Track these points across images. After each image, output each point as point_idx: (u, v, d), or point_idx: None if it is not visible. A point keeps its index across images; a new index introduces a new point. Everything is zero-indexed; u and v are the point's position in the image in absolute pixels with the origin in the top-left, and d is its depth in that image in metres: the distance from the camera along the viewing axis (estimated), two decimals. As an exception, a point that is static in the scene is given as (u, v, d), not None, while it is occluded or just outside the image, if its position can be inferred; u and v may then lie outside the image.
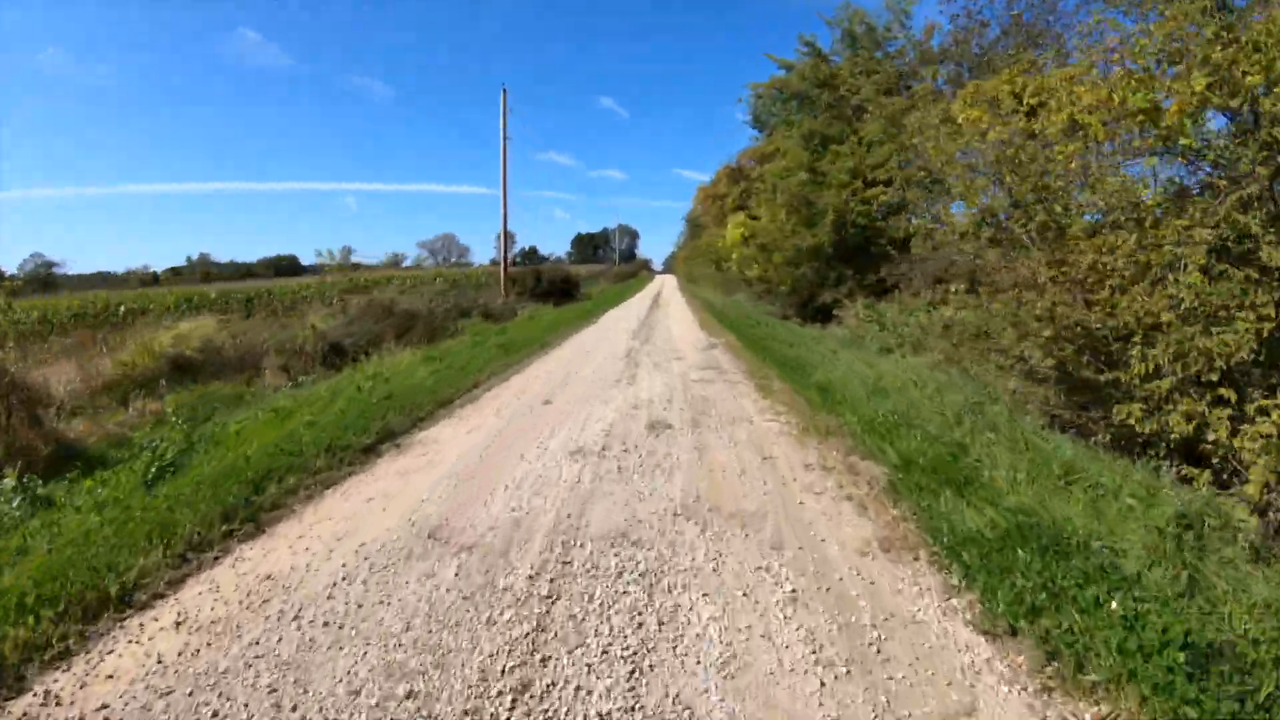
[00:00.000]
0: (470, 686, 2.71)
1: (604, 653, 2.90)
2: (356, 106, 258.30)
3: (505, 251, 28.01)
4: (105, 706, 2.66)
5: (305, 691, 2.71)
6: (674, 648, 2.95)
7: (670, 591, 3.42)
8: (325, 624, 3.17)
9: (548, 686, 2.71)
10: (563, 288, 32.69)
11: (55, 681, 2.84)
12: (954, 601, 3.32)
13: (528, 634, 3.05)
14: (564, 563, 3.75)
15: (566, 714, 2.55)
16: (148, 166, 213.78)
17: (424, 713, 2.56)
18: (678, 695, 2.65)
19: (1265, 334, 4.30)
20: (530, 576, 3.59)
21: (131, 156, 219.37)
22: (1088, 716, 2.52)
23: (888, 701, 2.62)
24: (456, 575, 3.63)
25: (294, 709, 2.61)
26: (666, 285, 50.79)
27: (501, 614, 3.23)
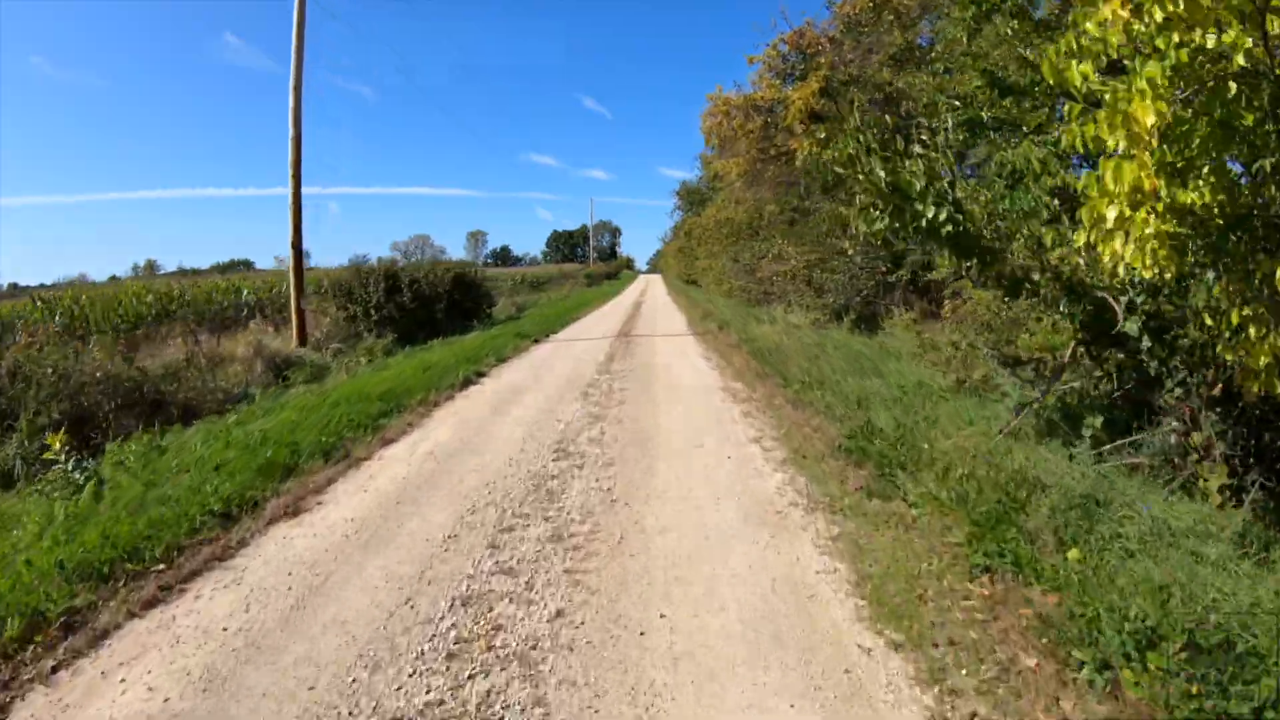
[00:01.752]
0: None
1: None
2: (340, 110, 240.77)
3: (297, 239, 12.60)
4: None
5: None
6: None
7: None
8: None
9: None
10: (455, 305, 17.30)
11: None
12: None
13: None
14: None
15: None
16: (119, 173, 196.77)
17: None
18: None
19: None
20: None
21: (97, 163, 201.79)
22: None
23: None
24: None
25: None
26: (653, 291, 35.20)
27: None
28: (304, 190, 11.95)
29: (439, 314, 16.47)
